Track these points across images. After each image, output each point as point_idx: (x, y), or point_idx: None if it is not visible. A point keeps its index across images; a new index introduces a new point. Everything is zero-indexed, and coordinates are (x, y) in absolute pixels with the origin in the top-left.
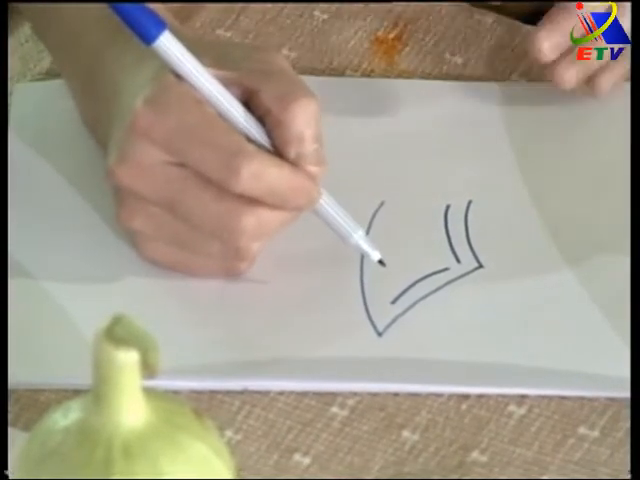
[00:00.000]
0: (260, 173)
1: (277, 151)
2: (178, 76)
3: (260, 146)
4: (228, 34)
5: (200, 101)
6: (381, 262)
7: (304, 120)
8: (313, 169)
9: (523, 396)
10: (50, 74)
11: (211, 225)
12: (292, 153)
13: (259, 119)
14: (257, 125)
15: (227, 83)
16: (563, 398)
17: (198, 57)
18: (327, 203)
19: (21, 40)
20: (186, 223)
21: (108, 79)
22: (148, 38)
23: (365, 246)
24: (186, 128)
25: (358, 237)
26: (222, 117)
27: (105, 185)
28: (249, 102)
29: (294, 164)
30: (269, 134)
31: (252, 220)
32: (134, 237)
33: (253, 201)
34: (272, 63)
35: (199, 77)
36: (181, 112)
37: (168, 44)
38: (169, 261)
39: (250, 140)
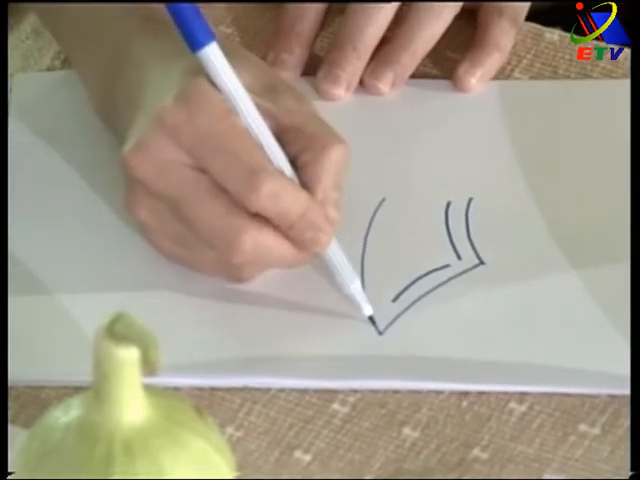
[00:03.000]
0: (279, 194)
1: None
2: (212, 83)
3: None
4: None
5: (231, 111)
6: (371, 318)
7: (334, 166)
8: (332, 213)
9: (524, 393)
10: (50, 70)
11: (210, 235)
12: (318, 195)
13: (288, 156)
14: (285, 157)
15: (263, 113)
16: (564, 395)
17: (238, 73)
18: (332, 250)
19: (21, 37)
20: (187, 226)
21: (134, 67)
22: (195, 45)
23: (359, 298)
24: (214, 135)
25: (354, 288)
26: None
27: (107, 179)
28: (279, 138)
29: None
30: (296, 170)
31: (250, 240)
32: (141, 227)
33: (259, 223)
34: (305, 105)
35: (236, 94)
36: (211, 118)
37: (213, 56)
38: (172, 255)
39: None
